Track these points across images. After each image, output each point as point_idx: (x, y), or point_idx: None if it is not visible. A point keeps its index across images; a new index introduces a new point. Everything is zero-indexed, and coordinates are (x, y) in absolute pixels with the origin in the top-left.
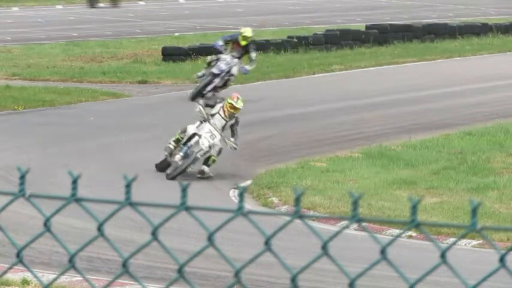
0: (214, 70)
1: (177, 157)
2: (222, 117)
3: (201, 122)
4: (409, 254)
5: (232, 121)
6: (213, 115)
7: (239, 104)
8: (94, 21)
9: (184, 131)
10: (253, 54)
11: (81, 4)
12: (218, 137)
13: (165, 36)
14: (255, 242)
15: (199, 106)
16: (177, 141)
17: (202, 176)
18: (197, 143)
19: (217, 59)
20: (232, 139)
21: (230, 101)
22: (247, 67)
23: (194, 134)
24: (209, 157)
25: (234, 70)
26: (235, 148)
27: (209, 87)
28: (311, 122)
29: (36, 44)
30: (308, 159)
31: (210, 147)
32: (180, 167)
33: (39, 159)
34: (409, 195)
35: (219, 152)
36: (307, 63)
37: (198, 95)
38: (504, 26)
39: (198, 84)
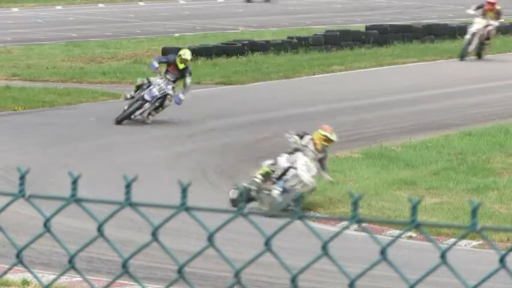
0: (146, 96)
1: (275, 193)
2: (312, 150)
3: (290, 154)
4: (409, 255)
5: (322, 155)
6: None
7: (334, 137)
8: (94, 22)
9: (274, 164)
10: (188, 80)
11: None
12: (314, 170)
13: (165, 37)
14: (255, 243)
15: (294, 136)
16: (266, 174)
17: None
18: (295, 176)
19: (149, 83)
20: (324, 172)
21: (324, 133)
22: (181, 96)
23: (289, 167)
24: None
25: (170, 91)
26: (332, 181)
27: (138, 112)
28: (311, 122)
29: (36, 45)
30: None
31: (309, 181)
32: (281, 204)
33: (39, 159)
34: (409, 195)
35: (312, 191)
36: (307, 63)
37: (125, 118)
38: (504, 26)
39: (126, 107)
